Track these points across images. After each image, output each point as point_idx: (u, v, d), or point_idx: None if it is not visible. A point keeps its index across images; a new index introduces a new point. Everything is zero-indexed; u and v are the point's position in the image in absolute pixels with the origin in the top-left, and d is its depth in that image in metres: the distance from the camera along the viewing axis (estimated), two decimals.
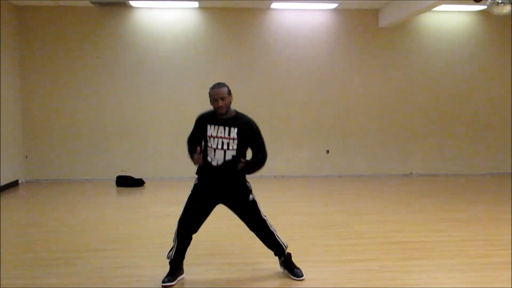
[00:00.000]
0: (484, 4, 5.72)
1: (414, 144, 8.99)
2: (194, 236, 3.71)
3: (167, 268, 3.71)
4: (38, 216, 6.04)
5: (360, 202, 6.73)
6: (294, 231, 5.10)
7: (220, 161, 3.60)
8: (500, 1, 5.22)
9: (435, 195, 7.15)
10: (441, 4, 7.28)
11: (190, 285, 3.69)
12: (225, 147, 3.59)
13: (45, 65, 8.30)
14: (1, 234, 5.01)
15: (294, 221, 5.58)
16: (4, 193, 7.38)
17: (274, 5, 8.26)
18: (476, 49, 8.92)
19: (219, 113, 3.59)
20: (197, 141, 3.70)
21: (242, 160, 3.51)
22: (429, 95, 8.91)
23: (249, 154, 3.73)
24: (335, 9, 8.57)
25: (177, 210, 3.76)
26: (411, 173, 9.00)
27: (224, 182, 3.66)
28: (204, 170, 3.67)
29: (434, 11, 8.43)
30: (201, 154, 3.55)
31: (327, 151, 8.88)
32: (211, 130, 3.62)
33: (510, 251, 4.37)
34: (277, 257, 3.90)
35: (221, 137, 3.60)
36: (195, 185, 3.73)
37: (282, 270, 3.86)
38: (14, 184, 7.95)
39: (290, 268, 3.81)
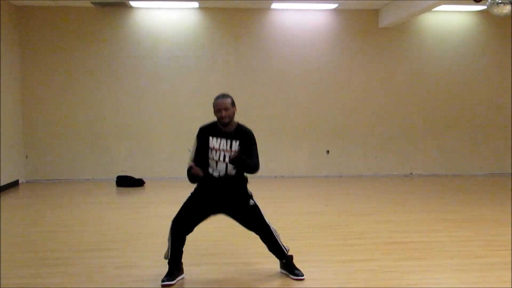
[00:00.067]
0: (484, 5, 5.72)
1: (414, 145, 8.99)
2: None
3: (166, 268, 3.71)
4: (38, 216, 6.04)
5: (360, 202, 6.72)
6: (294, 231, 5.10)
7: (222, 173, 3.63)
8: (500, 1, 5.22)
9: (435, 195, 7.15)
10: (441, 4, 7.29)
11: (190, 285, 3.69)
12: (227, 159, 3.61)
13: (45, 65, 8.30)
14: (1, 234, 5.01)
15: (294, 221, 5.58)
16: (4, 193, 7.38)
17: (274, 5, 8.26)
18: (476, 49, 8.92)
19: (223, 123, 3.61)
20: (202, 154, 3.66)
21: (237, 151, 3.51)
22: (429, 95, 8.92)
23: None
24: (335, 9, 8.57)
25: (177, 210, 3.75)
26: (411, 173, 9.00)
27: (224, 193, 3.66)
28: (205, 181, 3.68)
29: (434, 11, 8.43)
30: (198, 168, 3.53)
31: (327, 151, 8.88)
32: (213, 142, 3.65)
33: (510, 251, 4.37)
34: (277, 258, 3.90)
35: (223, 150, 3.62)
36: (195, 190, 3.75)
37: (283, 272, 3.86)
38: (14, 184, 7.95)
39: (290, 269, 3.81)
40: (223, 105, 3.58)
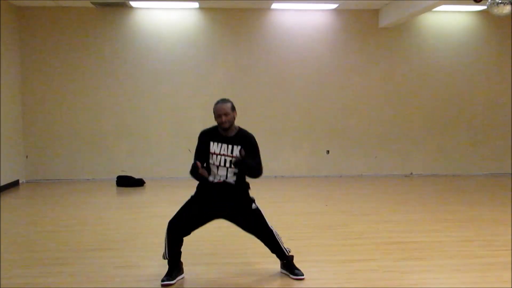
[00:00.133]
0: (484, 5, 5.72)
1: (414, 145, 8.99)
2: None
3: (166, 268, 3.71)
4: (38, 216, 6.04)
5: (360, 202, 6.72)
6: (294, 231, 5.10)
7: (223, 178, 3.63)
8: (500, 1, 5.22)
9: (435, 196, 7.15)
10: (441, 4, 7.29)
11: (190, 285, 3.69)
12: (227, 164, 3.62)
13: (45, 66, 8.31)
14: (1, 234, 5.01)
15: (294, 221, 5.58)
16: (4, 193, 7.38)
17: (274, 5, 8.26)
18: (476, 50, 8.92)
19: (223, 128, 3.61)
20: (203, 158, 3.67)
21: (242, 154, 3.49)
22: (429, 96, 8.92)
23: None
24: (335, 10, 8.57)
25: (177, 210, 3.76)
26: (411, 173, 9.01)
27: (225, 197, 3.66)
28: (205, 185, 3.68)
29: (434, 11, 8.43)
30: (204, 170, 3.55)
31: (328, 151, 8.88)
32: (214, 147, 3.64)
33: (510, 251, 4.37)
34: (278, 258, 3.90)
35: (224, 155, 3.62)
36: (195, 193, 3.75)
37: (283, 272, 3.86)
38: (14, 184, 7.96)
39: (290, 269, 3.81)
40: (222, 111, 3.58)
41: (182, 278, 3.74)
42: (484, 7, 7.05)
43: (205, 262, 4.12)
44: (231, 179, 3.63)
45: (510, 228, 5.14)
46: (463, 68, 8.92)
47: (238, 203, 3.70)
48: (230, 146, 3.63)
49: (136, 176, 8.18)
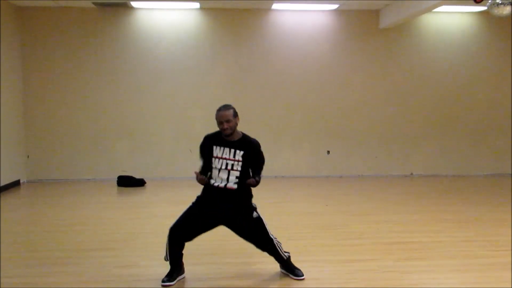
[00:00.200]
0: (485, 5, 5.72)
1: (414, 145, 8.99)
2: None
3: (167, 268, 3.72)
4: (39, 216, 6.05)
5: (360, 202, 6.73)
6: (294, 231, 5.11)
7: (224, 182, 3.63)
8: (500, 2, 5.22)
9: (436, 196, 7.15)
10: (442, 5, 7.29)
11: (190, 285, 3.70)
12: (229, 167, 3.63)
13: (46, 65, 8.31)
14: (2, 234, 5.02)
15: (294, 221, 5.59)
16: (5, 193, 7.39)
17: (275, 6, 8.26)
18: (476, 50, 8.92)
19: (225, 135, 3.62)
20: (207, 162, 3.70)
21: (257, 178, 3.57)
22: (429, 96, 8.92)
23: None
24: (335, 10, 8.57)
25: (178, 210, 3.77)
26: (411, 173, 9.01)
27: (226, 203, 3.65)
28: (207, 190, 3.70)
29: (435, 12, 8.43)
30: (202, 176, 3.61)
31: (328, 152, 8.88)
32: (216, 151, 3.66)
33: (510, 251, 4.38)
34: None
35: (225, 158, 3.63)
36: (196, 199, 3.76)
37: (283, 272, 3.87)
38: (15, 184, 7.97)
39: (290, 269, 3.82)
40: (224, 117, 3.59)
41: (183, 278, 3.75)
42: (485, 8, 7.04)
43: (206, 262, 4.13)
44: (232, 182, 3.64)
45: (510, 229, 5.14)
46: (463, 69, 8.92)
47: (238, 206, 3.68)
48: (232, 150, 3.64)
49: (137, 176, 8.18)
